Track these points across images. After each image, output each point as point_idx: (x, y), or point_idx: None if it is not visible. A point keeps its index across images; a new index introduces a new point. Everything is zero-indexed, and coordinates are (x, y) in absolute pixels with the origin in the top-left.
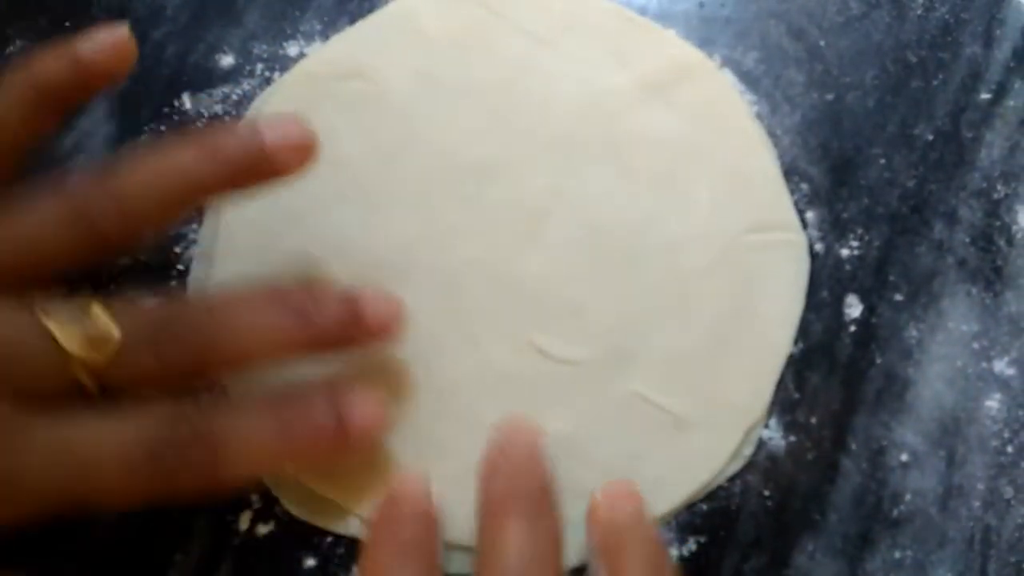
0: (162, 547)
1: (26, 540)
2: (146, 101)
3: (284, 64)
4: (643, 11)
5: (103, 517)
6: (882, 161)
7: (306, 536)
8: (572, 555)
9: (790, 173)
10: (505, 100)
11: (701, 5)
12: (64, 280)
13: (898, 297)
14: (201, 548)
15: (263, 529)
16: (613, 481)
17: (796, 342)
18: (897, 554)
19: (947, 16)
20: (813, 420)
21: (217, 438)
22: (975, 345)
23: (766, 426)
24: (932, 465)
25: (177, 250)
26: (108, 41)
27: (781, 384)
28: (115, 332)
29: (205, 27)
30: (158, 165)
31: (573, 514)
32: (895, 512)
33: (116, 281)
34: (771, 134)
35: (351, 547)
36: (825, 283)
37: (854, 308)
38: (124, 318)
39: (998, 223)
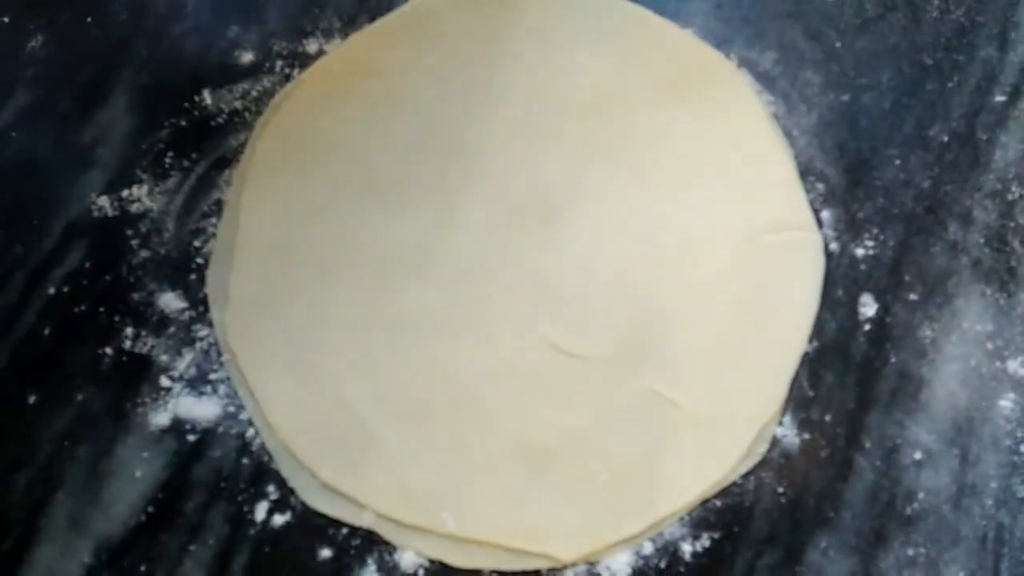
0: (179, 537)
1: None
2: (166, 96)
3: (304, 61)
4: (660, 10)
5: (116, 506)
6: (897, 162)
7: (322, 528)
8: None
9: (806, 173)
10: (523, 98)
11: (719, 6)
12: (82, 271)
13: (913, 297)
14: (217, 538)
15: (279, 520)
16: None
17: (811, 340)
18: (910, 551)
19: (962, 19)
20: (827, 418)
21: None
22: (989, 345)
23: (780, 423)
24: (946, 463)
25: (197, 244)
26: None
27: (796, 382)
28: None
29: (225, 24)
30: None
31: (590, 505)
32: (909, 510)
33: (136, 274)
34: (787, 134)
35: (366, 539)
36: (840, 282)
37: (869, 307)
38: None
39: (1012, 224)
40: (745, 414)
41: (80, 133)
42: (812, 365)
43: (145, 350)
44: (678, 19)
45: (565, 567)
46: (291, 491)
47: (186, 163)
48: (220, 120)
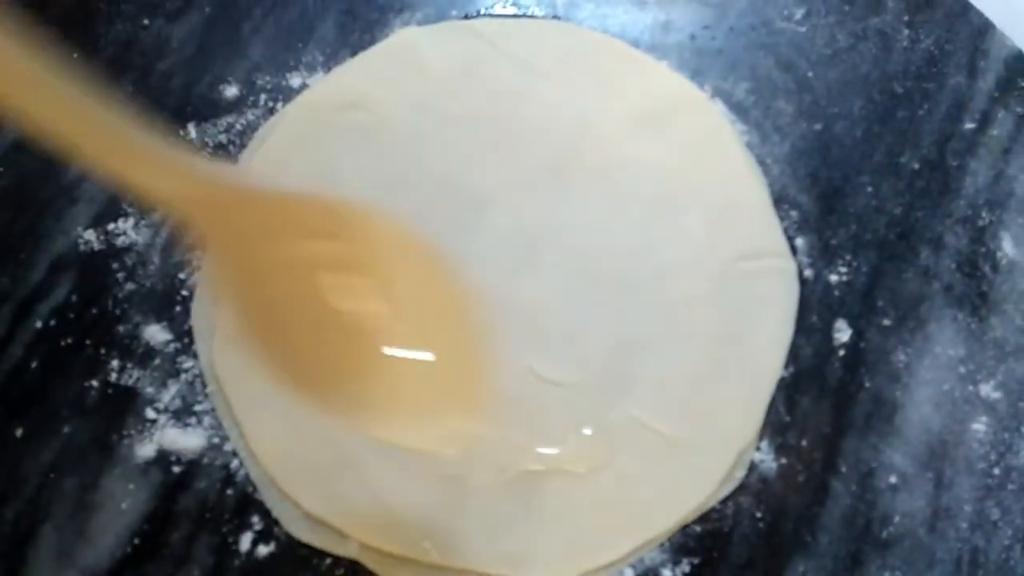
0: (164, 569)
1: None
2: (152, 131)
3: (287, 95)
4: (636, 43)
5: (102, 538)
6: (869, 189)
7: (306, 558)
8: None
9: (780, 201)
10: (502, 130)
11: (693, 37)
12: (69, 304)
13: (886, 322)
14: (202, 569)
15: (263, 550)
16: None
17: (787, 366)
18: (887, 575)
19: (932, 48)
20: (804, 443)
21: None
22: (961, 369)
23: (758, 449)
24: (920, 487)
25: (181, 276)
26: None
27: (772, 407)
28: None
29: (210, 58)
30: None
31: (571, 532)
32: (884, 533)
33: (122, 307)
34: (761, 163)
35: (351, 569)
36: (815, 308)
37: (843, 333)
38: None
39: (983, 249)
40: (723, 439)
41: (67, 167)
42: (788, 390)
43: (131, 382)
44: (653, 51)
45: None
46: (275, 521)
47: None
48: (205, 153)
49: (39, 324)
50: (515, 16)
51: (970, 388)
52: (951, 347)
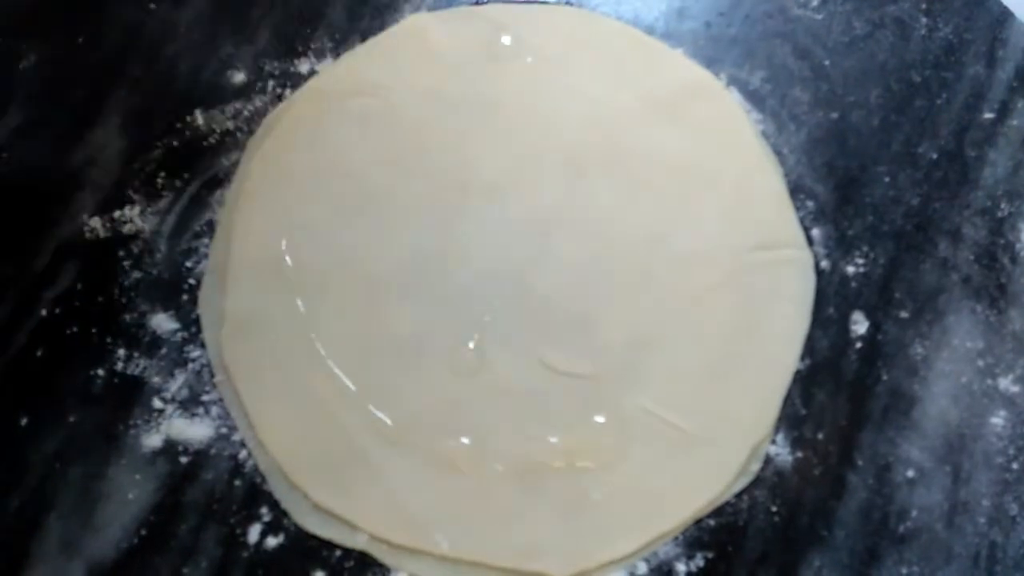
0: (172, 560)
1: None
2: (158, 116)
3: (295, 81)
4: (651, 31)
5: (108, 529)
6: (887, 179)
7: (315, 550)
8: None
9: (796, 191)
10: (513, 117)
11: (708, 25)
12: (74, 292)
13: (903, 314)
14: (210, 561)
15: (272, 542)
16: None
17: (803, 358)
18: (904, 570)
19: (950, 36)
20: (820, 436)
21: None
22: (980, 362)
23: (773, 442)
24: (938, 481)
25: (188, 264)
26: None
27: (788, 400)
28: None
29: (217, 44)
30: None
31: (583, 525)
32: (901, 528)
33: (128, 295)
34: (777, 152)
35: (360, 561)
36: (831, 300)
37: (860, 325)
38: None
39: (1002, 241)
40: (738, 432)
41: (72, 153)
42: (804, 383)
43: (137, 371)
44: (668, 39)
45: None
46: (284, 513)
47: (178, 183)
48: (212, 140)
49: (44, 312)
50: (527, 2)
51: (988, 381)
52: (969, 340)
